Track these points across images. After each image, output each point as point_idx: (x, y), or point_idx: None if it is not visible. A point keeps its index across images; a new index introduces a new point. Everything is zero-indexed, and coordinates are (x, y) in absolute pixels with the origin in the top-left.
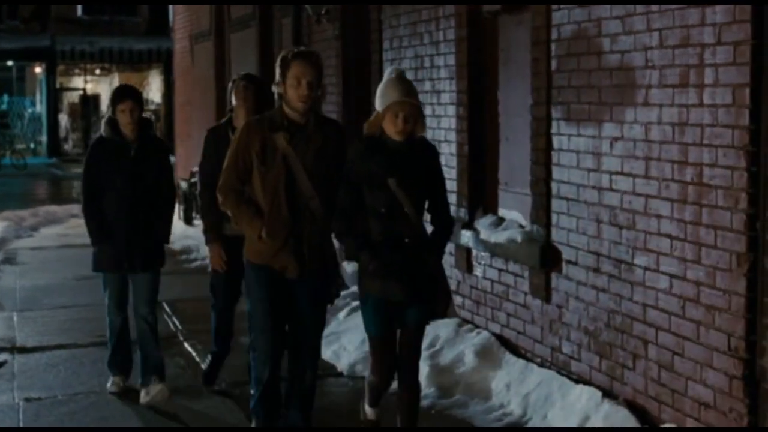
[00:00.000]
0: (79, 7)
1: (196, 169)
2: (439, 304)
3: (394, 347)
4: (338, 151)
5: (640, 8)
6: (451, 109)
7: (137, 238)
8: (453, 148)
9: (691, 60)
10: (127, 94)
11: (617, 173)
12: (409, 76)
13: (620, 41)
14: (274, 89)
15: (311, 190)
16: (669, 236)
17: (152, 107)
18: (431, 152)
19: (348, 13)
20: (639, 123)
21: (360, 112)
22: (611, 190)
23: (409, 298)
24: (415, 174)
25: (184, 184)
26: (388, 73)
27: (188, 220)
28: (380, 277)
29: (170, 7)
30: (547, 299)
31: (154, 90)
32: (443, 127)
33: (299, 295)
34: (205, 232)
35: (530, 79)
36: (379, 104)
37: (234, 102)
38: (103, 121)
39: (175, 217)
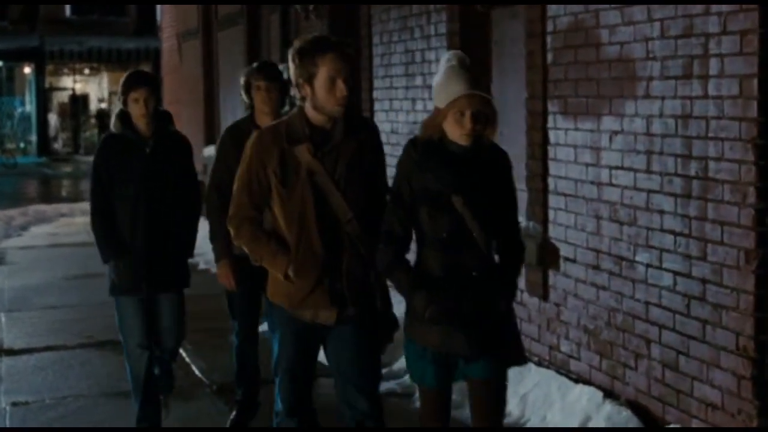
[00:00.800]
0: (68, 8)
1: None
2: (510, 356)
3: (450, 400)
4: (376, 156)
5: None
6: None
7: (157, 252)
8: None
9: (694, 50)
10: (141, 81)
11: (617, 168)
12: (401, 71)
13: (619, 32)
14: (294, 93)
15: (347, 212)
16: (672, 232)
17: None
18: (504, 161)
19: (336, 8)
20: (640, 116)
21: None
22: (611, 185)
23: (475, 353)
24: (486, 189)
25: None
26: (446, 59)
27: None
28: (439, 326)
29: (158, 6)
30: (544, 297)
31: None
32: None
33: (338, 346)
34: (214, 246)
35: (525, 72)
36: (439, 99)
37: (255, 104)
38: (113, 116)
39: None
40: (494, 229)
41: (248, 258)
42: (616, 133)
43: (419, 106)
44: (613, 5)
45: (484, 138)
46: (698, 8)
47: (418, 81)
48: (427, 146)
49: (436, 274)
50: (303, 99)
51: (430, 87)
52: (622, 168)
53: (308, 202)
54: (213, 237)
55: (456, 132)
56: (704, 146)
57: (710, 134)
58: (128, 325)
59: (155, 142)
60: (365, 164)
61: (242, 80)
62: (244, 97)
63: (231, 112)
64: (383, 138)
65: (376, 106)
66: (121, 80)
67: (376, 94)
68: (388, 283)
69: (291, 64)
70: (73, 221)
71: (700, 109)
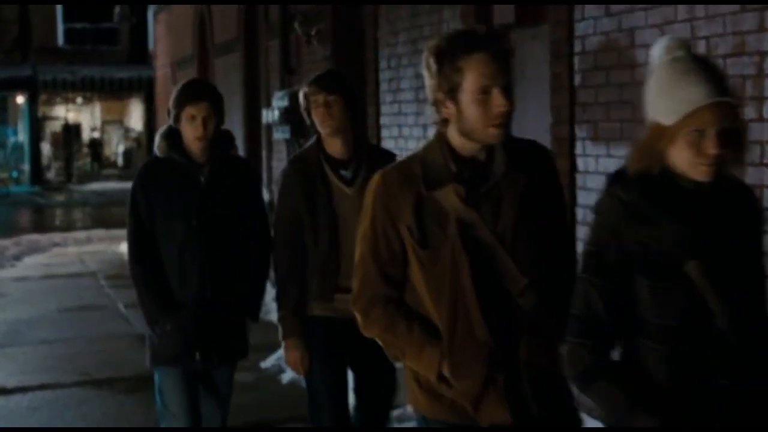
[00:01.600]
0: (60, 37)
1: None
2: None
3: None
4: (553, 195)
5: (681, 14)
6: None
7: (214, 314)
8: None
9: (746, 70)
10: (200, 94)
11: None
12: (410, 96)
13: None
14: (436, 113)
15: (519, 278)
16: None
17: (134, 135)
18: (754, 204)
19: (340, 33)
20: None
21: None
22: None
23: None
24: (736, 249)
25: None
26: (664, 47)
27: None
28: None
29: (151, 35)
30: None
31: (135, 118)
32: None
33: None
34: (281, 317)
35: (549, 96)
36: (660, 111)
37: (317, 124)
38: (158, 134)
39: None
40: (750, 309)
41: (333, 320)
42: None
43: (431, 132)
44: (651, 23)
45: (727, 169)
46: (751, 24)
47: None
48: (644, 184)
49: (660, 382)
50: (444, 122)
51: None
52: None
53: (462, 267)
54: (281, 303)
55: (689, 161)
56: (759, 173)
57: (766, 160)
58: (173, 405)
59: (212, 169)
60: (541, 205)
61: (301, 99)
62: (307, 119)
63: None
64: None
65: (384, 132)
66: (175, 91)
67: (383, 120)
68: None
69: (426, 73)
70: (66, 251)
71: (755, 133)
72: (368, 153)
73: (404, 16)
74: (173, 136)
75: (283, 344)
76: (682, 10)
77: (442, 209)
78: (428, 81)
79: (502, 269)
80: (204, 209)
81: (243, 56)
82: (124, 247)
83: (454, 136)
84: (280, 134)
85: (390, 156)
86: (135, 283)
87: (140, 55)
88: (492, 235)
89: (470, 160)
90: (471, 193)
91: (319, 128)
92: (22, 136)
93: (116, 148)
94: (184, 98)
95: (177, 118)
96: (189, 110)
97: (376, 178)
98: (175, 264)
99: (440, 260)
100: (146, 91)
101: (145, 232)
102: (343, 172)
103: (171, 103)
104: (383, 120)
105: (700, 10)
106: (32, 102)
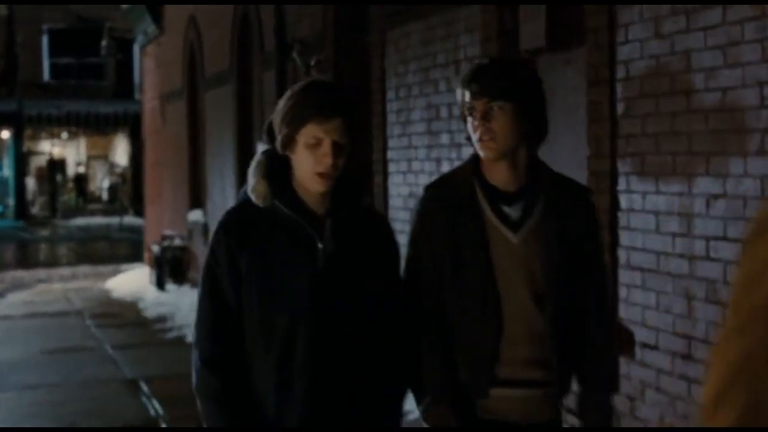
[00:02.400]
0: (46, 72)
1: (168, 231)
2: None
3: None
4: None
5: (749, 35)
6: None
7: None
8: None
9: None
10: (334, 105)
11: (717, 239)
12: (422, 128)
13: (720, 76)
14: None
15: None
16: None
17: (119, 170)
18: None
19: (342, 62)
20: (751, 176)
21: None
22: (708, 259)
23: None
24: None
25: (156, 248)
26: None
27: (161, 285)
28: None
29: (136, 69)
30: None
31: (120, 153)
32: None
33: None
34: (426, 407)
35: (585, 126)
36: None
37: (472, 141)
38: (251, 168)
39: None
40: None
41: (485, 425)
42: (716, 197)
43: (445, 166)
44: (711, 44)
45: None
46: None
47: (445, 139)
48: None
49: None
50: None
51: (459, 145)
52: (724, 239)
53: None
54: (420, 388)
55: None
56: None
57: None
58: None
59: (336, 229)
60: None
61: (464, 97)
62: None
63: (218, 174)
64: (399, 203)
65: (391, 167)
66: (288, 99)
67: (390, 154)
68: None
69: None
70: (51, 288)
71: None
72: (549, 184)
73: (415, 43)
74: (277, 172)
75: (423, 415)
76: (750, 29)
77: None
78: None
79: None
80: (322, 292)
81: (235, 88)
82: (110, 284)
83: None
84: None
85: (582, 190)
86: (204, 401)
87: (126, 89)
88: None
89: None
90: None
91: (476, 147)
92: (7, 170)
93: (101, 183)
94: (308, 111)
95: (288, 141)
96: (312, 129)
97: None
98: (270, 376)
99: None
100: (132, 126)
101: (230, 324)
102: (506, 209)
103: (279, 117)
104: (391, 154)
105: None
106: (17, 137)
